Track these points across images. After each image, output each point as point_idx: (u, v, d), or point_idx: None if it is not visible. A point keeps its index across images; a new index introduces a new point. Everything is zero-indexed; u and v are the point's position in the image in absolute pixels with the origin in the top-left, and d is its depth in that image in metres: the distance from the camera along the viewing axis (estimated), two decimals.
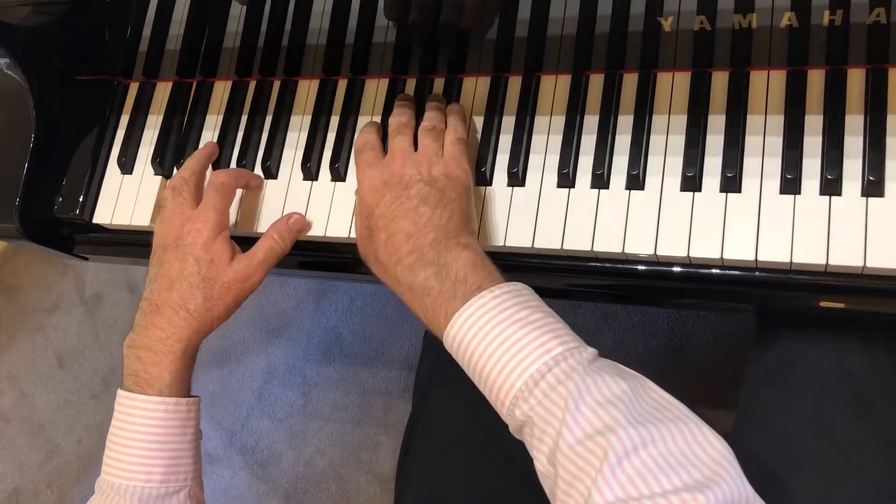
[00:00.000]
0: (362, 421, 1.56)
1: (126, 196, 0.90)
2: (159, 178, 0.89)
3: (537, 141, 0.76)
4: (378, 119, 0.82)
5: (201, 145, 0.88)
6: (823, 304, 0.69)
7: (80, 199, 0.90)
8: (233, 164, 0.86)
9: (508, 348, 0.57)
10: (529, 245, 0.73)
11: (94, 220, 0.90)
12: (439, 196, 0.67)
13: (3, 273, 1.98)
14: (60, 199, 0.91)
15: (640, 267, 0.71)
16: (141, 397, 0.71)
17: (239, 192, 0.82)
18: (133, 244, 0.92)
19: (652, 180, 0.71)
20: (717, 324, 1.40)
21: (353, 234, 0.77)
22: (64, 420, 1.79)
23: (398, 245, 0.65)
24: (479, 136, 0.78)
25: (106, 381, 1.78)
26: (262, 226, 0.81)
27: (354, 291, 1.64)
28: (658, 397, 0.56)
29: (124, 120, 0.93)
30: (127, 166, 0.90)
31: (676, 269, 0.70)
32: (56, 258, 1.91)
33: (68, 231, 0.94)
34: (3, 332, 1.90)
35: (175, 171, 0.88)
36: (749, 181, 0.68)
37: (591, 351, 0.58)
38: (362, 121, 0.82)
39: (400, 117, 0.75)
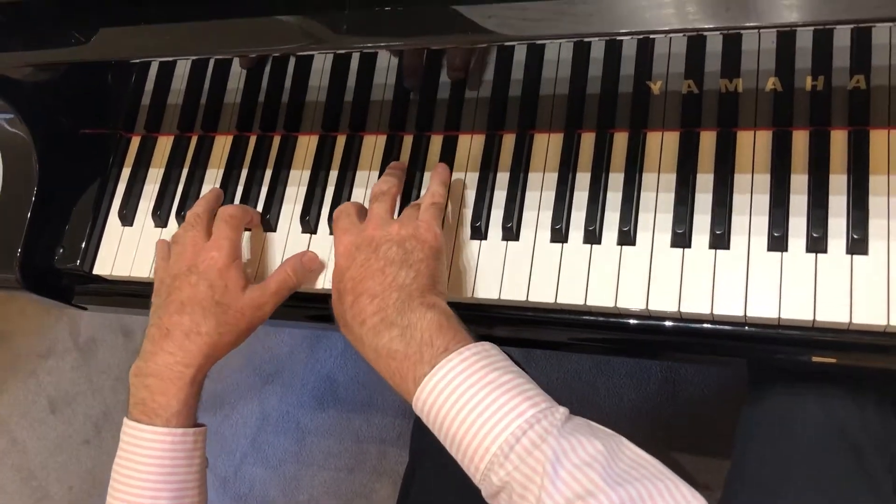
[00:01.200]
0: (356, 468, 1.56)
1: (126, 248, 0.91)
2: (159, 230, 0.90)
3: (531, 197, 0.78)
4: (376, 174, 0.83)
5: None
6: (813, 359, 0.71)
7: (81, 251, 0.92)
8: None
9: (481, 413, 0.57)
10: (524, 298, 0.74)
11: (95, 271, 0.91)
12: (405, 256, 0.67)
13: None
14: (61, 250, 0.92)
15: (632, 321, 0.73)
16: (148, 428, 0.71)
17: (245, 237, 0.84)
18: (132, 294, 0.93)
19: (643, 236, 0.73)
20: (710, 372, 1.41)
21: None
22: (55, 466, 1.78)
23: (363, 306, 0.65)
24: (474, 191, 0.80)
25: (98, 426, 1.77)
26: (259, 278, 0.82)
27: None
28: (634, 455, 0.56)
29: (126, 173, 0.95)
30: (128, 218, 0.92)
31: (668, 323, 0.72)
32: (50, 304, 1.92)
33: (68, 282, 0.95)
34: None
35: (176, 223, 0.90)
36: (737, 238, 0.70)
37: (563, 410, 0.58)
38: (360, 175, 0.84)
39: (382, 185, 0.75)
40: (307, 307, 0.83)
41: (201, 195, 0.90)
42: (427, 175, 0.82)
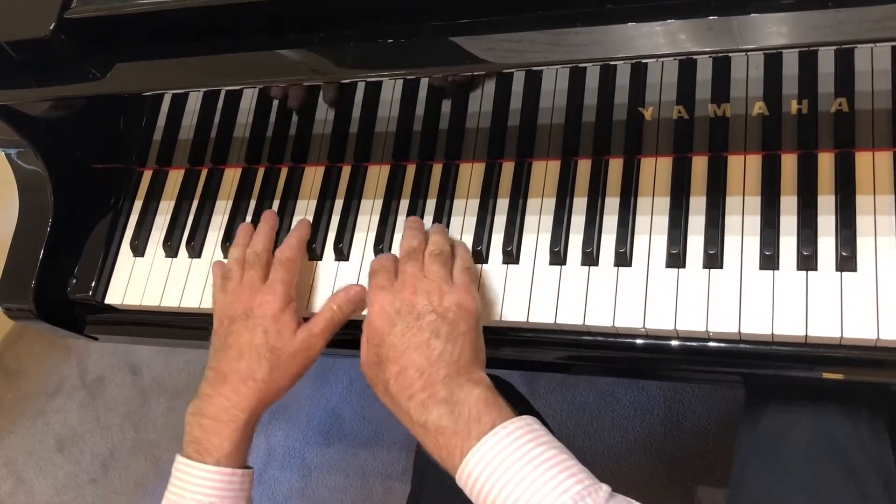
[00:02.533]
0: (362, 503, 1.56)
1: (137, 278, 0.93)
2: (170, 260, 0.93)
3: (530, 221, 0.80)
4: (380, 202, 0.86)
5: (211, 229, 0.93)
6: (806, 374, 0.72)
7: (93, 281, 0.94)
8: None
9: (526, 488, 0.58)
10: (524, 320, 0.76)
11: (106, 301, 0.94)
12: (450, 329, 0.67)
13: (7, 358, 2.00)
14: (74, 281, 0.95)
15: (630, 340, 0.75)
16: (199, 465, 0.72)
17: None
18: (142, 324, 0.96)
19: (638, 258, 0.75)
20: (713, 402, 1.42)
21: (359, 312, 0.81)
22: None
23: (410, 380, 0.65)
24: (475, 217, 0.82)
25: (105, 464, 1.78)
26: None
27: (354, 372, 1.66)
28: None
29: (137, 205, 0.98)
30: (139, 249, 0.95)
31: (674, 342, 0.74)
32: (60, 342, 1.94)
33: (80, 311, 0.97)
34: (4, 417, 1.91)
35: (186, 253, 0.92)
36: (730, 258, 0.72)
37: (606, 488, 0.59)
38: (365, 203, 0.87)
39: (411, 241, 0.75)
40: None
41: (209, 230, 0.93)
42: (430, 202, 0.85)
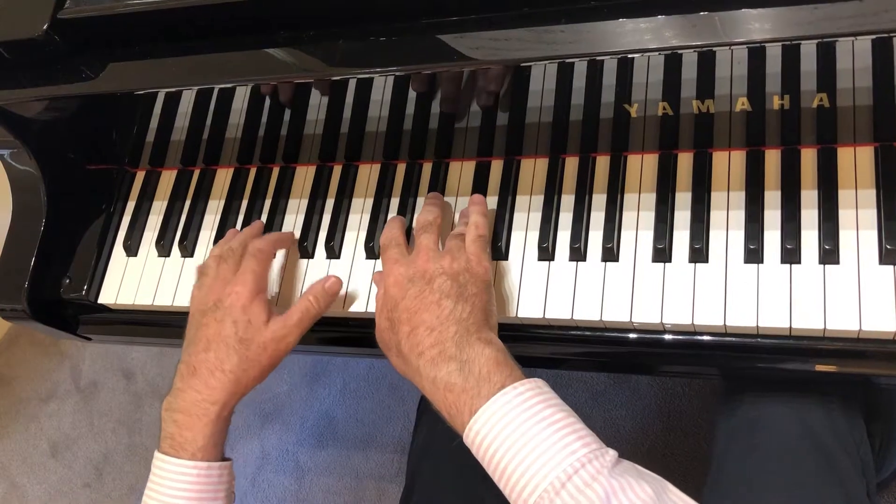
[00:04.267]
0: None
1: (130, 277, 0.94)
2: (163, 259, 0.94)
3: (518, 218, 0.81)
4: (371, 200, 0.87)
5: (203, 228, 0.93)
6: (791, 366, 0.73)
7: (87, 281, 0.95)
8: None
9: (534, 448, 0.58)
10: (514, 315, 0.77)
11: (100, 301, 0.94)
12: (460, 290, 0.68)
13: (0, 363, 2.00)
14: (67, 281, 0.96)
15: (615, 334, 0.76)
16: (175, 461, 0.73)
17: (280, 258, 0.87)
18: (135, 323, 0.96)
19: (625, 253, 0.76)
20: (704, 403, 1.43)
21: (348, 308, 0.82)
22: None
23: (421, 337, 0.66)
24: None
25: (99, 469, 1.78)
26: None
27: (347, 374, 1.67)
28: (679, 500, 0.57)
29: (130, 206, 0.98)
30: (132, 249, 0.95)
31: (668, 336, 0.74)
32: (53, 348, 1.94)
33: (73, 312, 0.98)
34: None
35: (178, 252, 0.93)
36: (715, 252, 0.73)
37: (613, 453, 0.59)
38: (356, 202, 0.88)
39: (427, 216, 0.77)
40: (316, 331, 0.86)
41: (201, 230, 0.93)
42: (420, 200, 0.86)
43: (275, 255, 0.84)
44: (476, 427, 0.61)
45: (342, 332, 0.86)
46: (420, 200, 0.86)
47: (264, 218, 0.91)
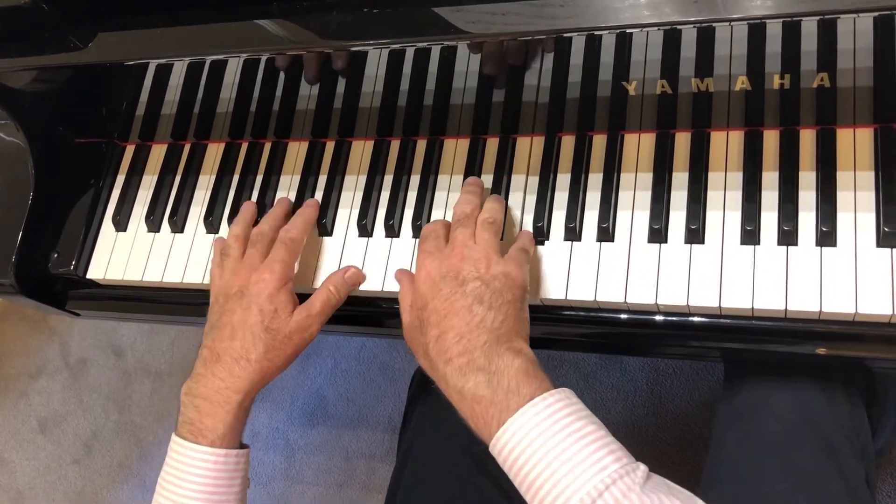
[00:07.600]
0: (346, 484, 1.56)
1: (120, 252, 0.93)
2: (152, 234, 0.93)
3: (514, 197, 0.80)
4: (364, 177, 0.86)
5: (194, 204, 0.92)
6: (787, 349, 0.73)
7: (75, 256, 0.94)
8: (224, 223, 0.90)
9: (564, 462, 0.56)
10: None
11: (88, 276, 0.93)
12: (494, 296, 0.66)
13: None
14: (56, 255, 0.94)
15: (610, 315, 0.75)
16: (194, 446, 0.72)
17: None
18: (124, 299, 0.95)
19: (621, 233, 0.75)
20: (695, 384, 1.43)
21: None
22: (44, 486, 1.77)
23: (449, 344, 0.64)
24: (458, 193, 0.82)
25: (88, 446, 1.77)
26: None
27: (339, 354, 1.66)
28: None
29: (120, 180, 0.97)
30: (121, 224, 0.94)
31: (658, 317, 0.74)
32: (42, 324, 1.93)
33: (62, 287, 0.97)
34: None
35: (168, 227, 0.92)
36: (711, 233, 0.73)
37: (644, 468, 0.58)
38: (349, 179, 0.87)
39: (464, 206, 0.74)
40: None
41: (192, 205, 0.92)
42: (414, 178, 0.85)
43: (304, 241, 0.82)
44: (504, 438, 0.59)
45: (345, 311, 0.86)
46: (414, 179, 0.84)
47: (255, 195, 0.90)
